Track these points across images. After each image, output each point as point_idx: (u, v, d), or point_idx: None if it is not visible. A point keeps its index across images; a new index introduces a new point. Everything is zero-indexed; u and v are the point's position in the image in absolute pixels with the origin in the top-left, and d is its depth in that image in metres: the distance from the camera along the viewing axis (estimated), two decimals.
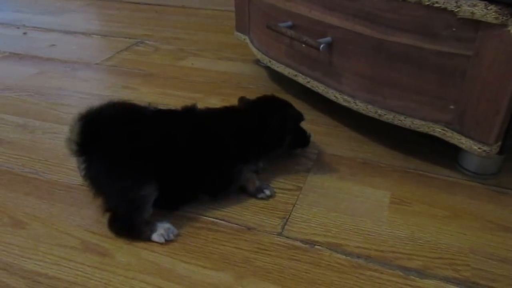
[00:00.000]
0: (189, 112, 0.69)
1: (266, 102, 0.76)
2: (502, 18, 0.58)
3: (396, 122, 0.75)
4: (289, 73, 0.96)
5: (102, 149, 0.60)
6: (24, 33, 1.53)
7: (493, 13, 0.58)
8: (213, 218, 0.66)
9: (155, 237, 0.60)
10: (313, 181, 0.74)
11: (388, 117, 0.76)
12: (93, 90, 1.09)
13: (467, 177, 0.75)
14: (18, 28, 1.59)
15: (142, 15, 1.74)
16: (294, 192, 0.71)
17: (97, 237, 0.62)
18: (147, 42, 1.42)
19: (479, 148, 0.67)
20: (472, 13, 0.60)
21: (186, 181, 0.65)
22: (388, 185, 0.73)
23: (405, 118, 0.74)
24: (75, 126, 0.59)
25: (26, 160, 0.80)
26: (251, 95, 0.80)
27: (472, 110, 0.66)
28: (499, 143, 0.67)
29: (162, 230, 0.61)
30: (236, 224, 0.64)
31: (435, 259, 0.59)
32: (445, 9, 0.63)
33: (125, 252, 0.59)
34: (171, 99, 1.03)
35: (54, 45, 1.41)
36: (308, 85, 0.91)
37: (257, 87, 1.09)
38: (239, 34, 1.19)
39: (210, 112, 0.72)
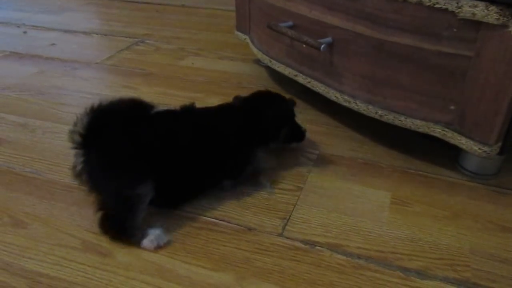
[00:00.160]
0: (188, 110, 0.70)
1: (260, 96, 0.79)
2: (503, 19, 0.58)
3: (396, 122, 0.75)
4: (289, 73, 0.96)
5: (102, 145, 0.60)
6: (24, 32, 1.53)
7: (494, 14, 0.58)
8: (214, 218, 0.66)
9: (145, 242, 0.60)
10: (314, 182, 0.74)
11: (389, 117, 0.76)
12: (94, 89, 1.09)
13: (468, 177, 0.75)
14: (18, 27, 1.59)
15: (143, 14, 1.74)
16: (294, 193, 0.71)
17: (98, 237, 0.62)
18: (147, 41, 1.42)
19: (479, 149, 0.67)
20: (473, 13, 0.60)
21: (188, 176, 0.65)
22: (389, 186, 0.73)
23: (405, 118, 0.74)
24: (84, 118, 0.60)
25: (26, 159, 0.80)
26: None
27: (472, 111, 0.66)
28: (500, 144, 0.67)
29: (152, 236, 0.60)
30: (236, 224, 0.65)
31: (435, 259, 0.59)
32: (446, 10, 0.63)
33: (125, 252, 0.59)
34: (171, 98, 1.03)
35: (54, 44, 1.40)
36: (309, 85, 0.91)
37: (257, 86, 1.08)
38: (239, 33, 1.19)
39: (208, 109, 0.74)
